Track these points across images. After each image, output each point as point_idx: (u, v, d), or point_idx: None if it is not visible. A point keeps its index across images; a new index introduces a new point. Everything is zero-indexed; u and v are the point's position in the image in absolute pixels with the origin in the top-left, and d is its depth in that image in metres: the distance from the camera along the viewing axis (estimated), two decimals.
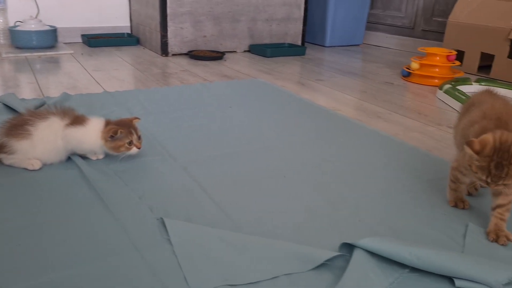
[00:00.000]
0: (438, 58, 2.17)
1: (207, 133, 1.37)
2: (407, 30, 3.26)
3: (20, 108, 1.43)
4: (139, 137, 1.12)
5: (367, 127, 1.48)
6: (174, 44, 2.66)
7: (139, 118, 1.16)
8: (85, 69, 2.20)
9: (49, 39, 2.63)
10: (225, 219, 0.89)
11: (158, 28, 2.64)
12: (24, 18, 2.64)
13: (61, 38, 2.85)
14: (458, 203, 0.96)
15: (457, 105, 1.74)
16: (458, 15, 2.50)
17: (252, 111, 1.61)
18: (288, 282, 0.71)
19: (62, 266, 0.72)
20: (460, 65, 2.39)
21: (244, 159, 1.19)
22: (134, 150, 1.10)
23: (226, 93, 1.83)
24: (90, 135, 1.09)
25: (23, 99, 1.61)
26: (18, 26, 2.62)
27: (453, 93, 1.80)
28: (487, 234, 0.85)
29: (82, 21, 2.96)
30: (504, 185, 0.80)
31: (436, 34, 3.02)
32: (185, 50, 2.69)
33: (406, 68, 2.27)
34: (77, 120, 1.10)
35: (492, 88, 1.00)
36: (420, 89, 2.09)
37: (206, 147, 1.26)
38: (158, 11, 2.59)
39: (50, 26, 2.69)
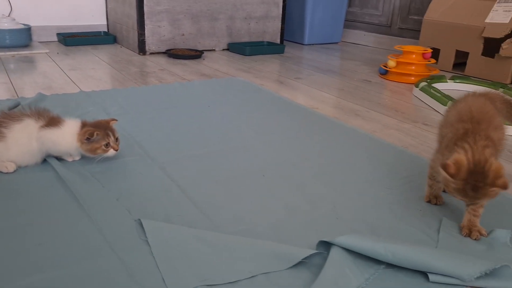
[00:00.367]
0: (414, 56, 2.21)
1: (185, 132, 1.37)
2: (384, 28, 3.30)
3: None
4: (116, 139, 1.11)
5: (345, 125, 1.49)
6: (151, 43, 2.63)
7: (116, 120, 1.15)
8: (61, 69, 2.16)
9: (23, 38, 2.58)
10: (204, 218, 0.89)
11: (135, 26, 2.61)
12: None
13: (35, 37, 2.79)
14: (432, 199, 0.98)
15: (432, 103, 1.77)
16: (433, 13, 2.55)
17: (231, 110, 1.61)
18: (266, 281, 0.72)
19: (38, 269, 0.71)
20: (436, 63, 2.44)
21: (223, 158, 1.19)
22: (111, 152, 1.09)
23: (205, 92, 1.83)
24: (66, 137, 1.07)
25: None
26: None
27: (428, 90, 1.84)
28: (461, 229, 0.87)
29: (57, 19, 2.91)
30: (481, 203, 0.83)
31: (413, 32, 3.07)
32: (163, 49, 2.67)
33: (383, 66, 2.30)
34: (52, 121, 1.08)
35: (484, 89, 1.00)
36: (397, 87, 2.12)
37: (184, 147, 1.25)
38: (135, 9, 2.56)
39: (24, 24, 2.64)
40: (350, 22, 3.55)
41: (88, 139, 1.06)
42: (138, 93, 1.77)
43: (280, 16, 3.07)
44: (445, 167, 0.79)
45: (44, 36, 2.87)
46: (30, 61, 2.30)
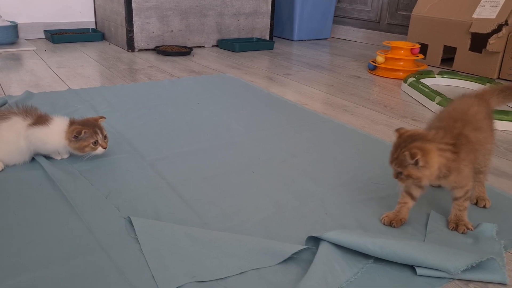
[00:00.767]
0: (402, 51, 2.22)
1: (175, 129, 1.36)
2: (373, 24, 3.32)
3: None
4: (105, 137, 1.10)
5: (334, 121, 1.50)
6: (140, 40, 2.62)
7: (104, 117, 1.14)
8: (49, 66, 2.14)
9: (9, 35, 2.55)
10: (193, 215, 0.89)
11: (123, 23, 2.59)
12: None
13: (22, 34, 2.76)
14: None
15: (421, 98, 1.78)
16: (421, 9, 2.56)
17: (220, 106, 1.61)
18: (256, 276, 0.72)
19: (27, 268, 0.71)
20: (424, 58, 2.46)
21: (212, 155, 1.19)
22: (99, 150, 1.09)
23: (194, 89, 1.82)
24: (54, 135, 1.06)
25: None
26: None
27: (416, 86, 1.85)
28: (448, 223, 0.88)
29: (44, 16, 2.88)
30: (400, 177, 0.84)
31: (401, 28, 3.08)
32: (152, 46, 2.66)
33: (372, 61, 2.31)
34: (40, 119, 1.07)
35: (482, 88, 1.00)
36: (385, 82, 2.13)
37: (174, 144, 1.25)
38: (123, 5, 2.54)
39: (11, 21, 2.61)
40: (339, 18, 3.56)
41: (76, 137, 1.06)
42: (127, 90, 1.76)
43: (270, 12, 3.07)
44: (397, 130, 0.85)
45: (31, 33, 2.84)
46: (17, 59, 2.28)
